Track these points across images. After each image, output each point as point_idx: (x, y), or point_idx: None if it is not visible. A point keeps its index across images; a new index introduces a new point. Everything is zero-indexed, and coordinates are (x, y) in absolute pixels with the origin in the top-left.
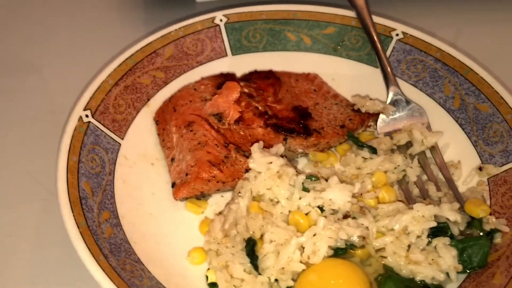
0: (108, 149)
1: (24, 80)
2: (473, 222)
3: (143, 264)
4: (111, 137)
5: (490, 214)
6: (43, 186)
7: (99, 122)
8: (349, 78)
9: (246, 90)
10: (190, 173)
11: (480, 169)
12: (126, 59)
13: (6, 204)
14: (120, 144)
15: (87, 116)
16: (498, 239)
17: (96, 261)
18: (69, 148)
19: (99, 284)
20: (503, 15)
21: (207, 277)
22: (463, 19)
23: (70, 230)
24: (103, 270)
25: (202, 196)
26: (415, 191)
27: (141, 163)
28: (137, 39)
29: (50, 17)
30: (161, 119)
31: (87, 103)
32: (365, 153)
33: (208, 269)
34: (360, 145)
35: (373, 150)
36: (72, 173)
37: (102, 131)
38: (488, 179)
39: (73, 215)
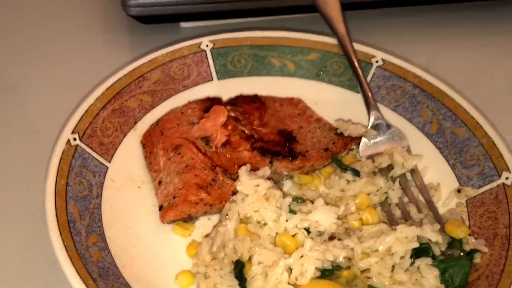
0: (95, 172)
1: (9, 101)
2: (454, 243)
3: None
4: (99, 160)
5: (470, 235)
6: (27, 208)
7: (87, 145)
8: (332, 102)
9: (232, 114)
10: (177, 195)
11: (459, 191)
12: (114, 82)
13: None
14: (107, 167)
15: (75, 139)
16: (477, 259)
17: (85, 285)
18: (57, 171)
19: None
20: (473, 42)
21: None
22: (436, 46)
23: (59, 254)
24: None
25: (189, 219)
26: (397, 212)
27: (128, 186)
28: (124, 64)
29: (36, 39)
30: (148, 142)
31: (75, 126)
32: (349, 175)
33: None
34: (344, 168)
35: (356, 173)
36: (60, 196)
37: (90, 154)
38: (466, 201)
39: (62, 239)
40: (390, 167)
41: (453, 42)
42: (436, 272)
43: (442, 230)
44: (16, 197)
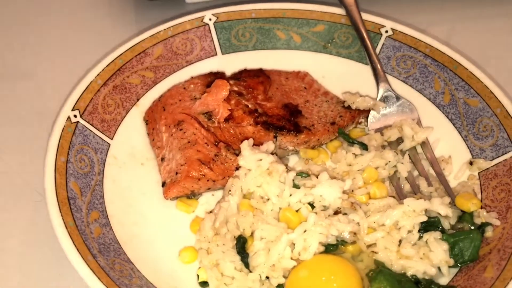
0: (97, 149)
1: (12, 82)
2: (464, 216)
3: (133, 264)
4: (100, 137)
5: (481, 208)
6: (33, 188)
7: (88, 122)
8: (340, 75)
9: (235, 89)
10: (180, 172)
11: (471, 163)
12: (115, 59)
13: None
14: (109, 144)
15: (75, 116)
16: (489, 232)
17: (84, 260)
18: (57, 149)
19: (88, 284)
20: (496, 10)
21: (198, 276)
22: (455, 16)
23: (58, 230)
24: (92, 269)
25: (192, 195)
26: (407, 186)
27: (131, 163)
28: (126, 39)
29: (39, 18)
30: (150, 119)
31: (75, 103)
32: (356, 149)
33: (199, 268)
34: (351, 141)
35: (364, 147)
36: (60, 173)
37: (91, 131)
38: (479, 173)
39: (61, 215)
40: (399, 140)
41: (472, 11)
42: (445, 246)
43: (453, 204)
44: (22, 176)
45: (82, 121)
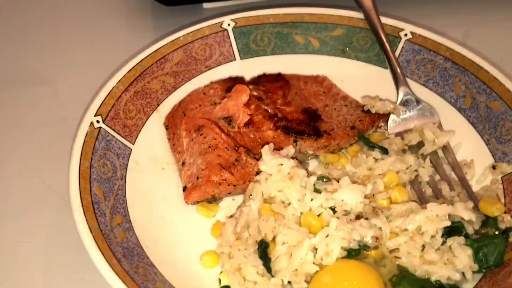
0: (119, 154)
1: (34, 88)
2: (488, 221)
3: (156, 268)
4: (122, 142)
5: (505, 213)
6: (55, 192)
7: (110, 128)
8: (359, 79)
9: (255, 93)
10: (201, 176)
11: (494, 167)
12: (136, 65)
13: (19, 211)
14: (131, 149)
15: (98, 121)
16: None
17: (110, 265)
18: (81, 154)
19: None
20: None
21: (220, 280)
22: (472, 19)
23: (83, 235)
24: (117, 274)
25: (213, 200)
26: (428, 191)
27: (152, 168)
28: (146, 45)
29: (59, 26)
30: (171, 124)
31: (98, 109)
32: (376, 153)
33: (221, 272)
34: (371, 146)
35: (384, 151)
36: (84, 178)
37: (113, 136)
38: (502, 177)
39: (86, 220)
40: (420, 144)
41: (489, 14)
42: (469, 251)
43: (476, 208)
44: (45, 181)
45: (104, 127)
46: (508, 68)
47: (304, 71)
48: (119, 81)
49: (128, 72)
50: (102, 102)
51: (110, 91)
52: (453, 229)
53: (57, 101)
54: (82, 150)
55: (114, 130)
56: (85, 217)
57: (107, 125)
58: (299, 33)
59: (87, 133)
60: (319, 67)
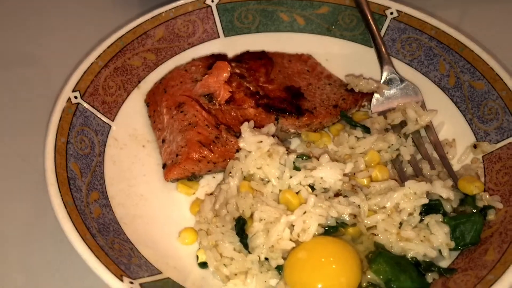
0: (98, 131)
1: (14, 67)
2: (466, 199)
3: (132, 244)
4: (101, 119)
5: (484, 191)
6: (35, 169)
7: (89, 104)
8: (343, 58)
9: (237, 71)
10: (180, 154)
11: (475, 146)
12: (116, 40)
13: None
14: (110, 126)
15: (76, 97)
16: (491, 215)
17: (83, 239)
18: (57, 129)
19: (86, 262)
20: None
21: (197, 256)
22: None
23: (57, 209)
24: (90, 248)
25: (193, 177)
26: (409, 170)
27: (132, 144)
28: (126, 21)
29: (40, 2)
30: (152, 101)
31: (76, 85)
32: (358, 132)
33: (199, 248)
34: (353, 124)
35: (367, 130)
36: (60, 153)
37: (92, 112)
38: (483, 156)
39: (60, 195)
40: (403, 123)
41: None
42: (446, 229)
43: (455, 187)
44: (24, 158)
45: (83, 103)
46: (503, 50)
47: (289, 49)
48: (98, 56)
49: (108, 48)
50: (81, 77)
51: (89, 66)
52: (431, 207)
53: (38, 78)
54: (58, 125)
55: (92, 106)
56: (60, 192)
57: (85, 101)
58: (284, 11)
59: (64, 109)
60: (304, 45)
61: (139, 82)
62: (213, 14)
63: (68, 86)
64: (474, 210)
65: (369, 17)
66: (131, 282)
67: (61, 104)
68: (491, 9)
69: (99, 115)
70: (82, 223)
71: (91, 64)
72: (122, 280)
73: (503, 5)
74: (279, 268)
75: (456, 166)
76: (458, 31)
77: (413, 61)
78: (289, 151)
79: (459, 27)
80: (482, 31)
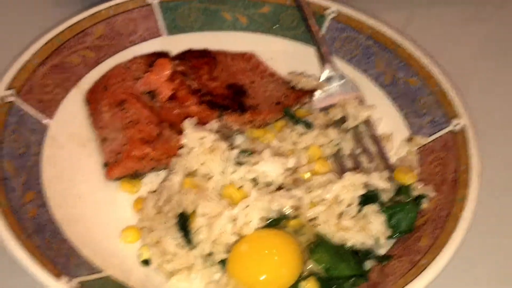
0: (34, 130)
1: None
2: (402, 189)
3: (71, 244)
4: (37, 118)
5: (418, 181)
6: None
7: (24, 102)
8: (286, 56)
9: (180, 68)
10: (122, 151)
11: (410, 140)
12: (53, 38)
13: None
14: (47, 125)
15: (10, 95)
16: (425, 204)
17: (18, 239)
18: None
19: (21, 263)
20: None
21: (140, 254)
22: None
23: None
24: (25, 248)
25: (136, 175)
26: (349, 163)
27: (71, 144)
28: (65, 18)
29: None
30: (92, 99)
31: (10, 82)
32: (301, 128)
33: (142, 246)
34: (296, 120)
35: (308, 125)
36: None
37: (27, 111)
38: (417, 149)
39: None
40: (343, 119)
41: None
42: (382, 218)
43: (392, 178)
44: None
45: (17, 101)
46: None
47: (233, 48)
48: (34, 54)
49: (45, 45)
50: (15, 75)
51: (25, 64)
52: (369, 198)
53: None
54: None
55: (28, 104)
56: None
57: (20, 99)
58: (227, 10)
59: None
60: (248, 44)
61: (79, 80)
62: (154, 12)
63: (1, 84)
64: (409, 199)
65: (309, 17)
66: (70, 280)
67: None
68: (437, 12)
69: (35, 114)
70: (16, 223)
71: (27, 61)
72: (60, 279)
73: (449, 8)
74: (223, 262)
75: (393, 159)
76: (402, 33)
77: (352, 59)
78: (232, 147)
79: (405, 29)
80: (428, 33)
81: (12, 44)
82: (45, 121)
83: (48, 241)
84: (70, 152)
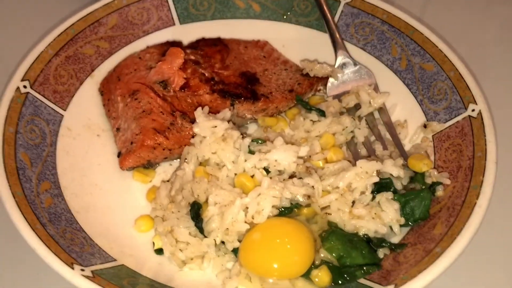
0: (49, 120)
1: None
2: (416, 177)
3: (85, 233)
4: (52, 108)
5: (433, 168)
6: None
7: (39, 93)
8: (300, 44)
9: (192, 57)
10: (135, 141)
11: (425, 126)
12: (67, 28)
13: None
14: (62, 115)
15: (25, 86)
16: (440, 191)
17: (33, 229)
18: (5, 119)
19: (36, 252)
20: None
21: (153, 243)
22: None
23: (5, 200)
24: (39, 237)
25: (149, 165)
26: (363, 151)
27: (86, 134)
28: (79, 9)
29: None
30: (105, 90)
31: (25, 74)
32: (314, 116)
33: (155, 235)
34: (309, 108)
35: (321, 113)
36: (9, 144)
37: (42, 102)
38: (433, 135)
39: (9, 185)
40: (357, 106)
41: None
42: (396, 205)
43: (405, 165)
44: None
45: (32, 92)
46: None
47: (245, 36)
48: (48, 45)
49: (58, 36)
50: (30, 66)
51: (39, 55)
52: (383, 186)
53: None
54: (6, 115)
55: (43, 95)
56: (8, 182)
57: (35, 90)
58: None
59: (12, 98)
60: (260, 32)
61: (92, 70)
62: (167, 1)
63: (16, 75)
64: (423, 187)
65: (322, 2)
66: (83, 270)
67: (9, 93)
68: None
69: (50, 104)
70: (32, 213)
71: (41, 52)
72: (73, 268)
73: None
74: (235, 251)
75: (407, 146)
76: (418, 17)
77: (366, 45)
78: (244, 136)
79: (423, 13)
80: (447, 17)
81: (26, 35)
82: (60, 111)
83: (63, 231)
84: (85, 142)
